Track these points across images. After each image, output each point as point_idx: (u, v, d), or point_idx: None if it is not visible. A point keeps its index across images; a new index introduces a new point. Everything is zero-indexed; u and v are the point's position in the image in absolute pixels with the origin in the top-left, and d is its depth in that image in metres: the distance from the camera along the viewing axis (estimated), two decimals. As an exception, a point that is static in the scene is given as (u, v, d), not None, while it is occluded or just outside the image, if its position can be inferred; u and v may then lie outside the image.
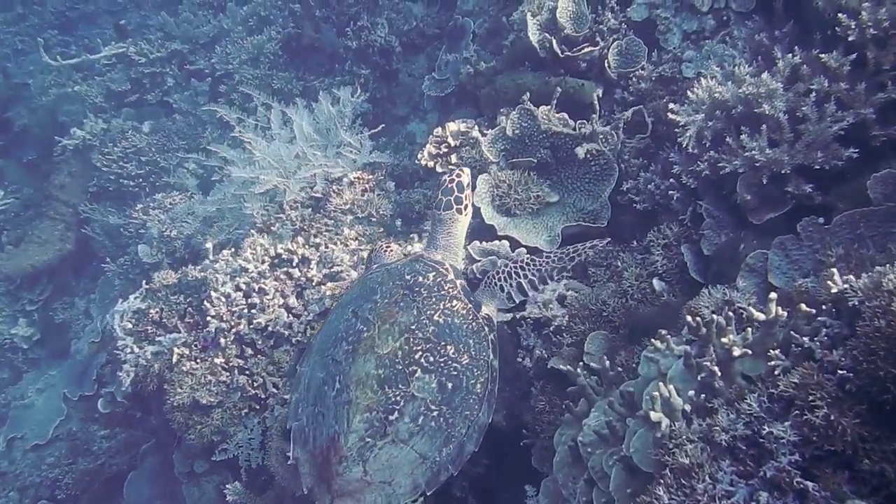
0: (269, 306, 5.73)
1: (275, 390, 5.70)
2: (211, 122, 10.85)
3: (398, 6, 10.69)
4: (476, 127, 6.45)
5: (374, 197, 6.55)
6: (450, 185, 5.03)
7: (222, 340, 5.73)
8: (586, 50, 6.09)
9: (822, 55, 4.86)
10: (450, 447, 4.20)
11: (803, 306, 3.29)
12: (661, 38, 6.16)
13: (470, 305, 4.62)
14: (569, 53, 6.10)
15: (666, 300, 4.95)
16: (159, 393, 5.81)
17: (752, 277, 4.46)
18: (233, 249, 6.37)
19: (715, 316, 3.54)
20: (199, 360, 5.76)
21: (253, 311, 5.75)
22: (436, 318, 4.40)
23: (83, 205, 10.65)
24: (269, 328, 5.73)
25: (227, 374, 5.70)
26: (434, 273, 4.70)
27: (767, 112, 4.83)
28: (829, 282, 3.36)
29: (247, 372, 5.76)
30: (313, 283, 5.86)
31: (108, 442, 8.78)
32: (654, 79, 6.00)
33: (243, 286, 5.78)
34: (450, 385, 4.23)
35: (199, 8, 12.02)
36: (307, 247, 5.99)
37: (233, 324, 5.74)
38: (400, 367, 4.19)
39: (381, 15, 10.68)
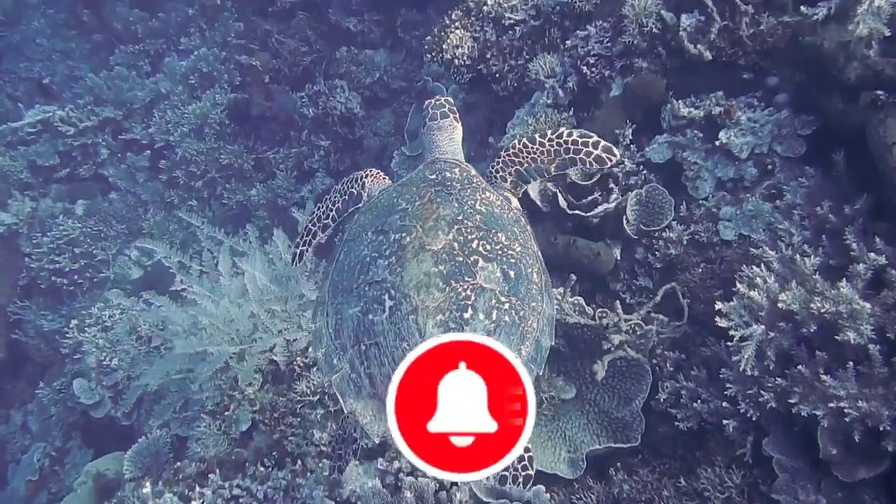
0: (227, 562, 4.64)
1: None
2: (152, 201, 9.59)
3: (357, 57, 9.46)
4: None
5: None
6: (437, 102, 4.72)
7: None
8: (599, 209, 4.96)
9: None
10: (527, 344, 3.69)
11: None
12: (690, 185, 5.06)
13: (502, 197, 4.20)
14: (579, 213, 4.96)
15: None
16: None
17: None
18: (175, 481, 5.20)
19: None
20: None
21: (208, 569, 4.65)
22: (478, 206, 3.93)
23: (12, 304, 9.36)
24: (230, 588, 4.64)
25: None
26: (458, 168, 4.29)
27: (853, 341, 3.78)
28: None
29: None
30: (281, 523, 4.77)
31: None
32: (685, 242, 4.89)
33: (195, 539, 4.67)
34: (512, 273, 3.73)
35: (133, 58, 10.66)
36: (269, 480, 4.85)
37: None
38: (461, 259, 3.68)
39: (340, 67, 9.43)
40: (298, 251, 5.21)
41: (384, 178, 4.75)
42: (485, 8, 6.25)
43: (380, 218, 4.04)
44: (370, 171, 4.78)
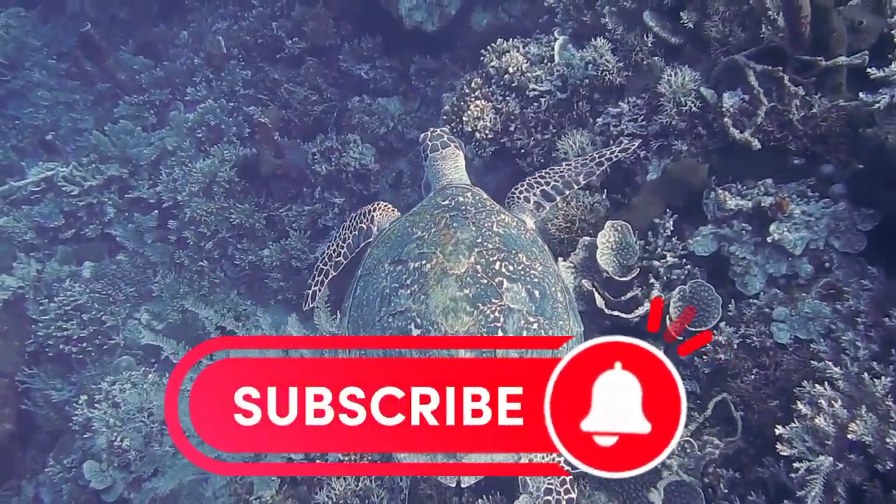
0: None
1: None
2: (161, 262, 9.25)
3: (370, 107, 9.14)
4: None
5: (374, 486, 5.07)
6: (435, 134, 4.87)
7: None
8: (641, 311, 4.59)
9: None
10: None
11: None
12: (738, 281, 4.67)
13: (517, 219, 4.29)
14: (620, 314, 4.59)
15: None
16: None
17: None
18: None
19: None
20: None
21: None
22: (495, 228, 3.98)
23: (20, 372, 9.02)
24: None
25: None
26: (470, 192, 4.33)
27: (937, 484, 3.40)
28: None
29: None
30: None
31: None
32: (735, 345, 4.50)
33: None
34: (537, 293, 3.76)
35: (138, 109, 10.33)
36: None
37: None
38: (485, 282, 3.69)
39: (352, 118, 9.10)
40: (311, 292, 5.15)
41: (393, 211, 4.84)
42: (506, 76, 5.88)
43: (395, 249, 3.98)
44: (378, 204, 4.87)
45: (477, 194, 4.35)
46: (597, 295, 4.68)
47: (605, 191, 5.24)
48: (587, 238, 4.87)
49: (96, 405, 7.82)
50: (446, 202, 4.19)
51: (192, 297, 8.81)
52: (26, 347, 9.21)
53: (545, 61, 5.85)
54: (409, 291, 3.72)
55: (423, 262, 3.78)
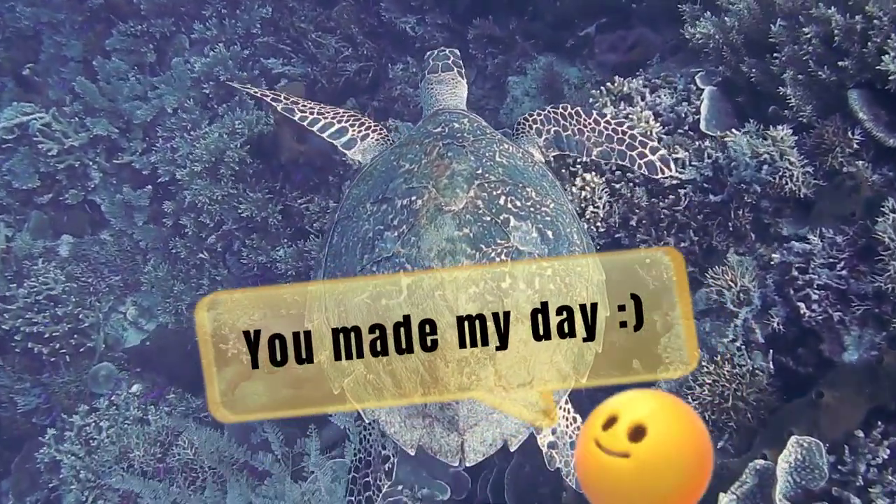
0: None
1: None
2: (153, 249, 7.75)
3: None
4: None
5: None
6: (441, 54, 4.37)
7: None
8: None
9: None
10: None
11: None
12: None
13: (522, 149, 3.82)
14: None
15: None
16: None
17: None
18: None
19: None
20: None
21: None
22: (497, 158, 3.48)
23: (-20, 366, 7.64)
24: None
25: None
26: (466, 118, 3.85)
27: None
28: None
29: None
30: None
31: None
32: None
33: None
34: (550, 233, 3.29)
35: (134, 42, 8.55)
36: None
37: None
38: (488, 219, 3.19)
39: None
40: (259, 93, 4.73)
41: (376, 131, 4.23)
42: (630, 144, 4.22)
43: (379, 186, 3.51)
44: (384, 129, 4.20)
45: (475, 121, 3.88)
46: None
47: (771, 351, 3.69)
48: (760, 462, 3.36)
49: (65, 443, 6.50)
50: (438, 129, 3.69)
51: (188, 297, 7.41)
52: (-11, 335, 7.77)
53: (684, 124, 4.18)
54: (396, 233, 3.24)
55: (413, 198, 3.29)
